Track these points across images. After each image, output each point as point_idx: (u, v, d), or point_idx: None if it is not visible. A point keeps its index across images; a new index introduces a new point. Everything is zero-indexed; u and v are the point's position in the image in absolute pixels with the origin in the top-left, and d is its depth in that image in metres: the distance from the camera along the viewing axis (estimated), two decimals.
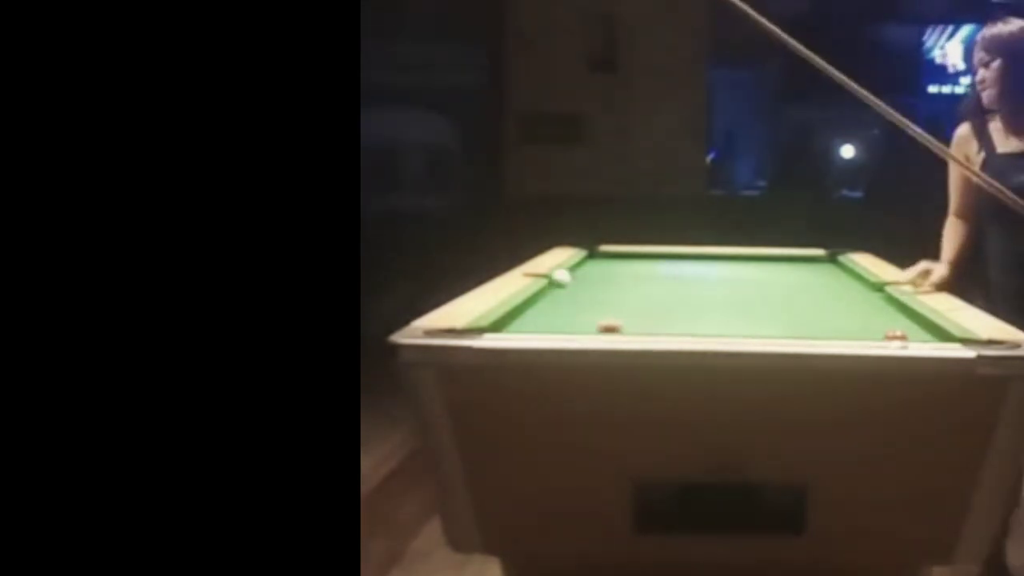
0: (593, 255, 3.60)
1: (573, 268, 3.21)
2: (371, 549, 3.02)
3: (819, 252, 3.71)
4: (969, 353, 1.81)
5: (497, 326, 2.07)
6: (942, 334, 2.04)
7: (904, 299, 2.51)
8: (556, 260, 3.23)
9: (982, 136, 2.84)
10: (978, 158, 2.81)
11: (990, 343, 1.86)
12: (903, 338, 1.94)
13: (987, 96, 2.80)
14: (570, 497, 1.88)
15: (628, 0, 6.45)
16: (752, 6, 2.26)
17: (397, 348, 1.85)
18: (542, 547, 1.95)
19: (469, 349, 1.85)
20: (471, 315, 2.08)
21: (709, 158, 7.07)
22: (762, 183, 8.03)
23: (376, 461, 3.60)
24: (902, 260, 3.20)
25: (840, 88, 2.32)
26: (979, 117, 2.85)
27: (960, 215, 2.89)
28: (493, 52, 6.69)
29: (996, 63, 2.77)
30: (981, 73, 2.80)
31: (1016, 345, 1.85)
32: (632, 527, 1.86)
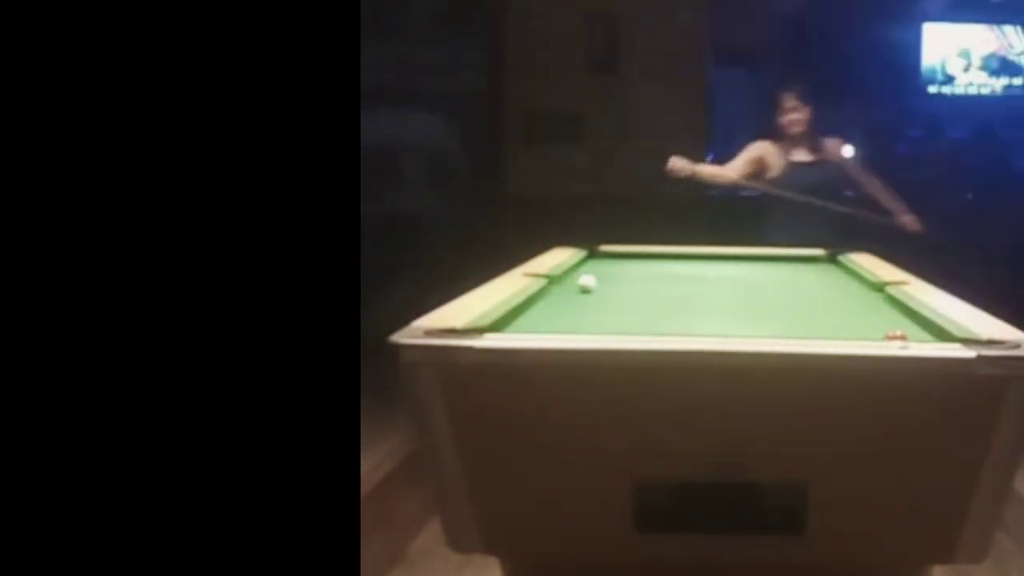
0: (593, 255, 3.60)
1: (573, 268, 3.22)
2: (371, 549, 3.02)
3: (819, 252, 3.71)
4: (969, 353, 1.81)
5: (497, 326, 2.07)
6: (942, 334, 2.04)
7: (904, 299, 2.51)
8: (556, 260, 3.23)
9: (781, 150, 4.51)
10: (780, 162, 4.49)
11: (990, 343, 1.86)
12: (903, 338, 1.94)
13: (796, 128, 4.47)
14: (570, 497, 1.88)
15: (628, 0, 6.44)
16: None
17: (397, 348, 1.85)
18: (542, 547, 1.95)
19: (469, 349, 1.85)
20: (471, 315, 2.08)
21: (709, 158, 7.05)
22: None
23: (376, 461, 3.61)
24: (901, 260, 3.20)
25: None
26: (781, 140, 4.51)
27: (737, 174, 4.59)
28: (493, 52, 6.68)
29: (806, 109, 4.48)
30: (793, 116, 4.47)
31: (1016, 345, 1.85)
32: (632, 527, 1.86)
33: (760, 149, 4.57)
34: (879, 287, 2.81)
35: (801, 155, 4.52)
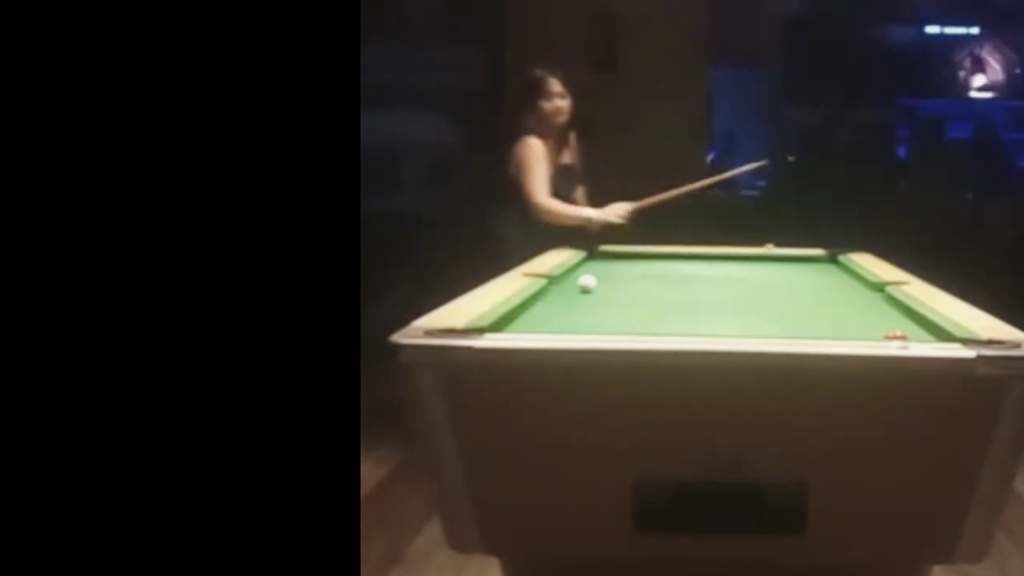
0: (593, 255, 3.60)
1: (573, 268, 3.22)
2: (371, 549, 3.02)
3: (819, 252, 3.71)
4: (969, 353, 1.81)
5: (497, 326, 2.07)
6: (942, 334, 2.04)
7: (904, 299, 2.51)
8: (556, 260, 3.23)
9: (548, 150, 3.87)
10: (550, 165, 3.84)
11: (990, 343, 1.86)
12: (903, 338, 1.94)
13: (561, 118, 3.88)
14: (570, 497, 1.88)
15: (628, 0, 6.44)
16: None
17: (397, 348, 1.85)
18: (542, 547, 1.95)
19: (469, 349, 1.85)
20: (471, 315, 2.08)
21: (709, 158, 7.05)
22: (762, 183, 8.04)
23: (376, 461, 3.61)
24: (901, 260, 3.21)
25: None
26: (541, 133, 3.85)
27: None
28: (493, 52, 6.69)
29: (567, 99, 3.88)
30: (560, 102, 3.86)
31: (1016, 345, 1.85)
32: (632, 527, 1.86)
33: (540, 150, 3.86)
34: (879, 287, 2.81)
35: (565, 155, 3.97)
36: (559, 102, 3.90)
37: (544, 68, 3.95)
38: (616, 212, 3.82)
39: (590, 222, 3.80)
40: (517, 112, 3.95)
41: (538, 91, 3.88)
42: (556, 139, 3.93)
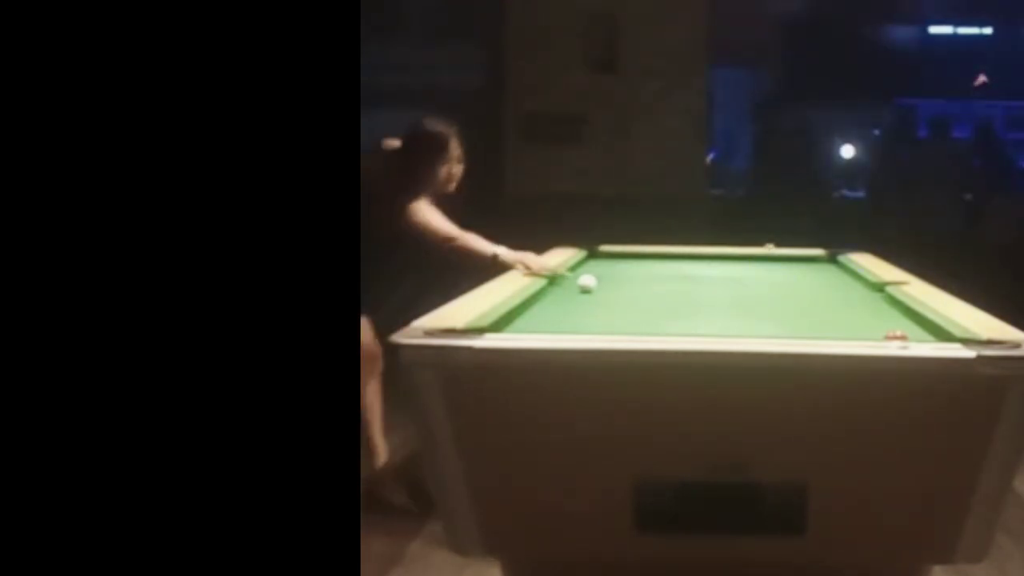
0: (593, 255, 3.60)
1: (573, 268, 3.22)
2: (371, 549, 3.02)
3: (819, 252, 3.71)
4: (969, 353, 1.82)
5: (497, 326, 2.07)
6: (942, 334, 2.04)
7: (904, 299, 2.51)
8: (556, 260, 3.23)
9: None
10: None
11: (990, 343, 1.86)
12: (903, 338, 1.94)
13: (452, 187, 3.36)
14: (570, 497, 1.88)
15: (628, 0, 6.44)
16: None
17: (397, 348, 1.85)
18: (542, 547, 1.95)
19: (469, 349, 1.85)
20: (471, 315, 2.08)
21: (709, 158, 7.04)
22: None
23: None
24: (902, 260, 3.21)
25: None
26: (433, 196, 3.30)
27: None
28: (493, 52, 6.69)
29: (462, 166, 3.34)
30: (458, 169, 3.33)
31: (1016, 345, 1.85)
32: (633, 527, 1.86)
33: (432, 209, 3.31)
34: (879, 287, 2.81)
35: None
36: (456, 168, 3.36)
37: (443, 124, 3.40)
38: (525, 261, 3.10)
39: (497, 260, 3.16)
40: (406, 168, 3.34)
41: (439, 150, 3.32)
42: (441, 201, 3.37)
